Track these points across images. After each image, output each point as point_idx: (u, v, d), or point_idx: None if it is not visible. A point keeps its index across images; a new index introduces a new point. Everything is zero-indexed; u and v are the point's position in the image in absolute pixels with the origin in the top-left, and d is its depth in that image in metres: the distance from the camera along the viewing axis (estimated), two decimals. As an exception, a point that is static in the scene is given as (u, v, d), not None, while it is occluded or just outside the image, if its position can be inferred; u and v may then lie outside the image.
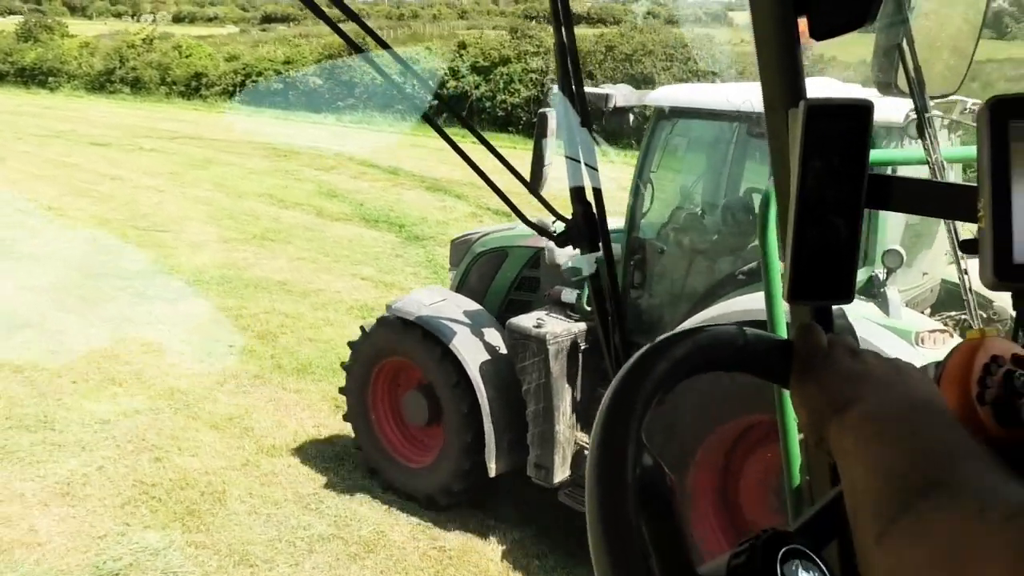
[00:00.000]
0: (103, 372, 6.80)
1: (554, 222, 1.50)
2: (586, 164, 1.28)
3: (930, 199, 0.89)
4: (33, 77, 35.15)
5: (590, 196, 1.30)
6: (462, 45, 24.88)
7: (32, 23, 37.56)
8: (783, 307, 1.50)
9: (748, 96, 4.05)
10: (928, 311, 4.36)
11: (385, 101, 25.58)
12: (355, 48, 1.27)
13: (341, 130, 23.59)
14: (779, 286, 1.45)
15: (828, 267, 0.80)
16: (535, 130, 3.93)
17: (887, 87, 2.02)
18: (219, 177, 15.65)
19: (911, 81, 1.98)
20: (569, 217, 1.31)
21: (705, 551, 3.84)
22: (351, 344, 5.28)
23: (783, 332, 1.57)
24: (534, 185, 3.68)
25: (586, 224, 1.25)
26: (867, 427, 0.67)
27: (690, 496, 3.99)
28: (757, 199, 4.21)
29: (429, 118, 1.34)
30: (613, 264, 1.34)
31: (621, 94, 4.55)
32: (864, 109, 0.80)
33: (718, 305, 4.00)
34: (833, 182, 0.79)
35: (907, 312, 3.79)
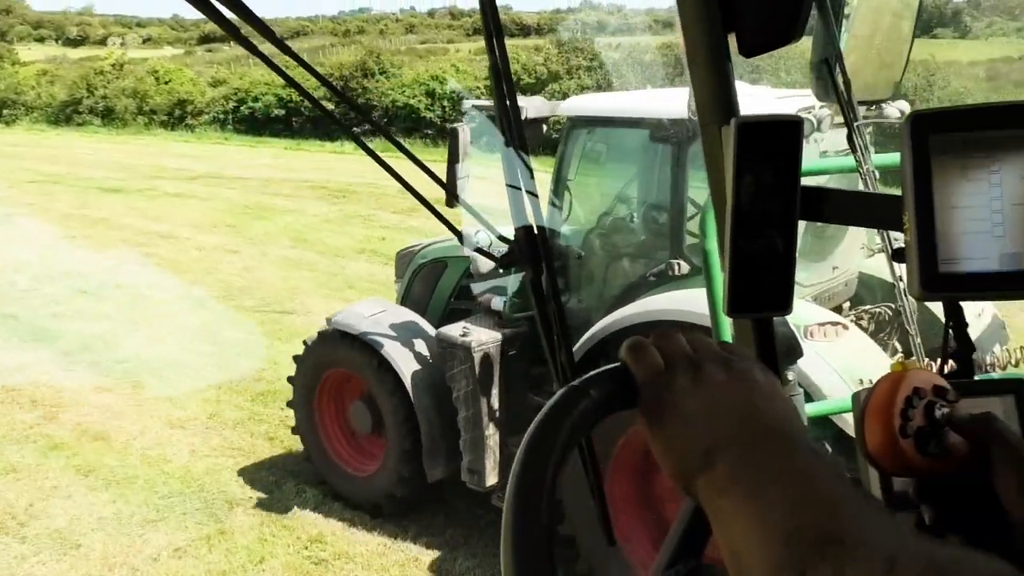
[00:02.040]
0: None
1: (477, 232, 1.58)
2: (526, 191, 1.20)
3: (861, 210, 0.91)
4: (-17, 110, 31.50)
5: (530, 218, 1.25)
6: (498, 61, 22.53)
7: (-22, 50, 33.80)
8: (727, 320, 1.42)
9: (643, 103, 4.40)
10: (847, 305, 4.43)
11: (411, 125, 23.07)
12: (287, 78, 1.01)
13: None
14: (721, 298, 1.36)
15: (766, 280, 0.81)
16: (448, 145, 4.08)
17: (824, 95, 2.14)
18: (290, 229, 13.01)
19: (840, 93, 2.03)
20: (511, 238, 1.23)
21: (630, 553, 3.90)
22: (296, 358, 5.31)
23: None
24: (449, 200, 3.41)
25: (528, 245, 1.17)
26: (740, 484, 0.60)
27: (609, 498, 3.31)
28: (665, 203, 4.22)
29: (355, 136, 1.14)
30: (557, 285, 1.26)
31: (534, 106, 4.57)
32: (795, 124, 0.80)
33: (630, 306, 4.05)
34: (767, 196, 0.80)
35: (800, 305, 3.63)
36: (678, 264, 4.06)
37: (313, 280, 10.29)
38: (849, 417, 2.01)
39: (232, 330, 8.41)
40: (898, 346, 4.17)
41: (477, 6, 0.99)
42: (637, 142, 4.35)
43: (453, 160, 4.00)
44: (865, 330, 4.04)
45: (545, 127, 4.72)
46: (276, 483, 5.40)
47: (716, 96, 0.94)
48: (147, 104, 28.66)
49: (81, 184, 17.05)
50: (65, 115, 29.84)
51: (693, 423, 0.64)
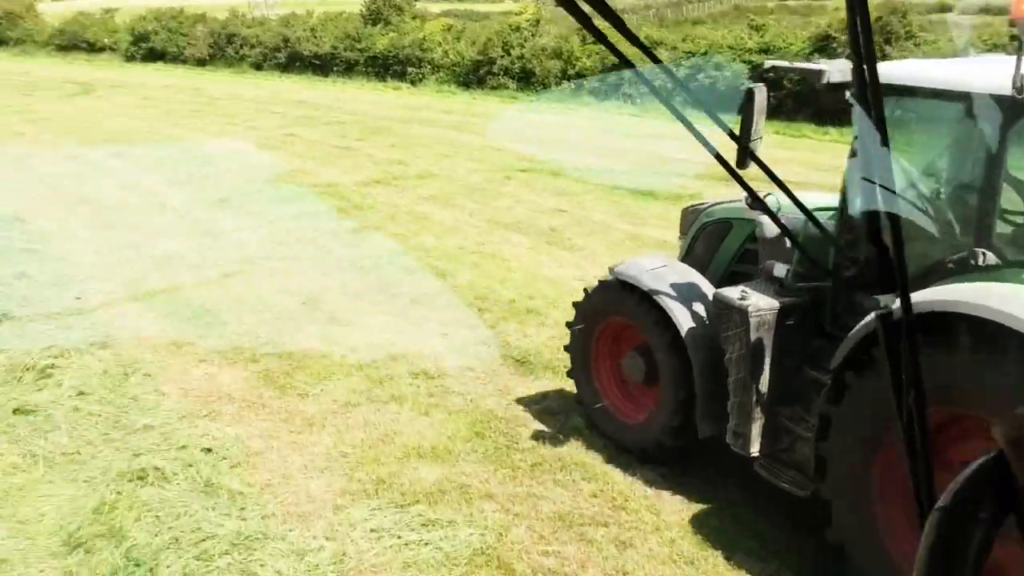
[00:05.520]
0: None
1: (766, 195, 1.67)
2: (881, 187, 1.05)
3: None
4: (387, 67, 29.58)
5: (885, 233, 1.07)
6: None
7: (380, 3, 32.00)
8: None
9: (961, 74, 3.88)
10: None
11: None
12: (651, 56, 1.03)
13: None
14: None
15: None
16: (742, 105, 4.03)
17: None
18: None
19: None
20: (859, 256, 1.58)
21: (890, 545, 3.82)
22: (575, 304, 5.51)
23: None
24: (741, 160, 3.80)
25: (882, 269, 1.02)
26: None
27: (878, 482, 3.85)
28: (976, 184, 3.89)
29: (664, 99, 1.35)
30: (913, 322, 1.04)
31: (837, 69, 4.20)
32: None
33: (923, 292, 3.66)
34: None
35: None
36: (983, 254, 3.69)
37: None
38: None
39: None
40: None
41: None
42: (950, 116, 4.03)
43: (747, 121, 4.00)
44: None
45: (848, 93, 3.99)
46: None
47: None
48: (572, 67, 24.87)
49: (636, 191, 12.95)
50: (477, 76, 26.92)
51: None
